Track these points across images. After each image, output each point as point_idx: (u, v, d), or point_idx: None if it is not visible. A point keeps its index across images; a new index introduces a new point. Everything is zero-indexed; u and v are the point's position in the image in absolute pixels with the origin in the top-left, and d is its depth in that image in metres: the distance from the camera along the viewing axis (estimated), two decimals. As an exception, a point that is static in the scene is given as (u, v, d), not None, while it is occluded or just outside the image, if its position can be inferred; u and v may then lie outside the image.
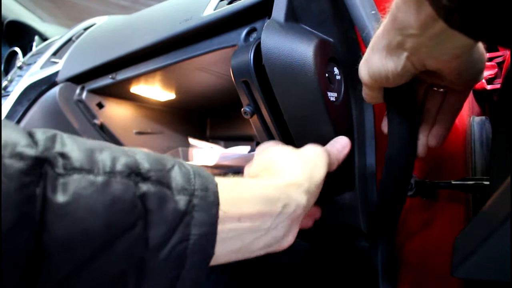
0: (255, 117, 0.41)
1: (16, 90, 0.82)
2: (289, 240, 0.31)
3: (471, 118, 0.42)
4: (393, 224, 0.41)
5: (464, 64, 0.29)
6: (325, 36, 0.39)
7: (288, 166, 0.31)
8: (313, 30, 0.39)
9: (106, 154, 0.22)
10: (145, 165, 0.23)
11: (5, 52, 1.35)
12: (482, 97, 0.47)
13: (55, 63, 0.77)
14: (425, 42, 0.26)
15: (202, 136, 0.82)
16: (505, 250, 0.22)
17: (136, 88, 0.64)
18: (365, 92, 0.35)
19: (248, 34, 0.43)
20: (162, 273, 0.22)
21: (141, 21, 0.59)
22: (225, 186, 0.26)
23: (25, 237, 0.18)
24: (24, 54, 1.22)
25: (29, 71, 0.85)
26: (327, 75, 0.37)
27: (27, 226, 0.18)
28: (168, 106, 0.75)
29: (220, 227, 0.24)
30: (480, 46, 0.30)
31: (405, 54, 0.28)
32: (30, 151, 0.19)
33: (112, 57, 0.58)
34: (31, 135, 0.20)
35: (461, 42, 0.25)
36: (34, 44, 1.31)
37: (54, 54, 0.85)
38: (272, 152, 0.34)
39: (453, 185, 0.38)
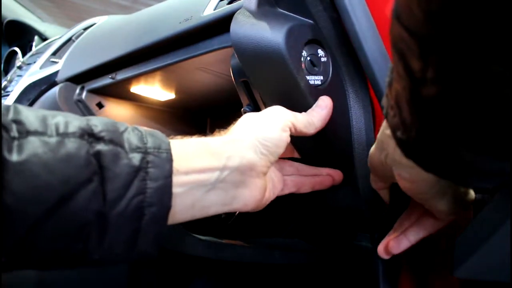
0: (255, 117, 0.41)
1: (15, 90, 0.82)
2: (249, 195, 0.31)
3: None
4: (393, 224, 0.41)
5: (426, 194, 0.30)
6: (303, 18, 0.38)
7: (238, 126, 0.33)
8: (290, 13, 0.38)
9: (59, 118, 0.24)
10: (98, 127, 0.25)
11: (5, 52, 1.35)
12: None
13: (55, 63, 0.77)
14: (392, 149, 0.28)
15: (202, 136, 0.82)
16: (505, 250, 0.22)
17: (136, 88, 0.64)
18: (371, 177, 0.37)
19: (248, 34, 0.43)
20: (122, 225, 0.24)
21: (141, 21, 0.59)
22: (175, 144, 0.28)
23: None
24: (23, 54, 1.22)
25: (29, 71, 0.85)
26: (309, 58, 0.36)
27: None
28: (168, 106, 0.75)
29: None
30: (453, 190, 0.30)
31: (384, 153, 0.30)
32: None
33: (112, 57, 0.58)
34: None
35: (413, 168, 0.25)
36: (34, 44, 1.31)
37: (54, 54, 0.85)
38: (239, 120, 0.35)
39: (453, 185, 0.38)
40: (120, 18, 0.76)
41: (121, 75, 0.59)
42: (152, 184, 0.25)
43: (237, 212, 0.56)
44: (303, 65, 0.36)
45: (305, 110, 0.36)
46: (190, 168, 0.27)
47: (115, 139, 0.25)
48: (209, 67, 0.53)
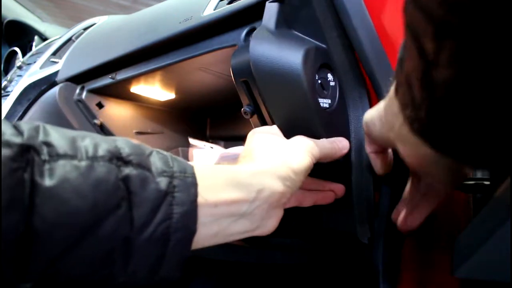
0: (255, 117, 0.41)
1: (15, 90, 0.82)
2: (271, 224, 0.31)
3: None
4: (393, 224, 0.41)
5: (428, 168, 0.29)
6: (317, 43, 0.39)
7: (266, 153, 0.32)
8: (305, 37, 0.39)
9: (87, 141, 0.23)
10: (125, 150, 0.24)
11: (5, 52, 1.35)
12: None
13: (55, 63, 0.77)
14: (398, 126, 0.27)
15: (202, 136, 0.82)
16: (505, 250, 0.22)
17: (136, 88, 0.64)
18: (370, 155, 0.37)
19: (248, 34, 0.43)
20: (148, 251, 0.24)
21: (141, 21, 0.59)
22: (203, 173, 0.27)
23: (16, 219, 0.19)
24: (23, 54, 1.22)
25: (29, 71, 0.85)
26: (320, 81, 0.37)
27: (17, 208, 0.20)
28: (168, 106, 0.75)
29: (199, 212, 0.26)
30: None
31: (386, 128, 0.30)
32: (16, 139, 0.21)
33: (112, 57, 0.58)
34: (15, 126, 0.22)
35: (419, 144, 0.25)
36: (34, 44, 1.31)
37: (54, 54, 0.85)
38: (256, 139, 0.35)
39: (453, 185, 0.38)
40: (120, 18, 0.76)
41: (121, 75, 0.59)
42: (179, 209, 0.25)
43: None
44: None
45: (312, 131, 0.36)
46: (219, 200, 0.27)
47: (142, 162, 0.25)
48: (209, 67, 0.53)
